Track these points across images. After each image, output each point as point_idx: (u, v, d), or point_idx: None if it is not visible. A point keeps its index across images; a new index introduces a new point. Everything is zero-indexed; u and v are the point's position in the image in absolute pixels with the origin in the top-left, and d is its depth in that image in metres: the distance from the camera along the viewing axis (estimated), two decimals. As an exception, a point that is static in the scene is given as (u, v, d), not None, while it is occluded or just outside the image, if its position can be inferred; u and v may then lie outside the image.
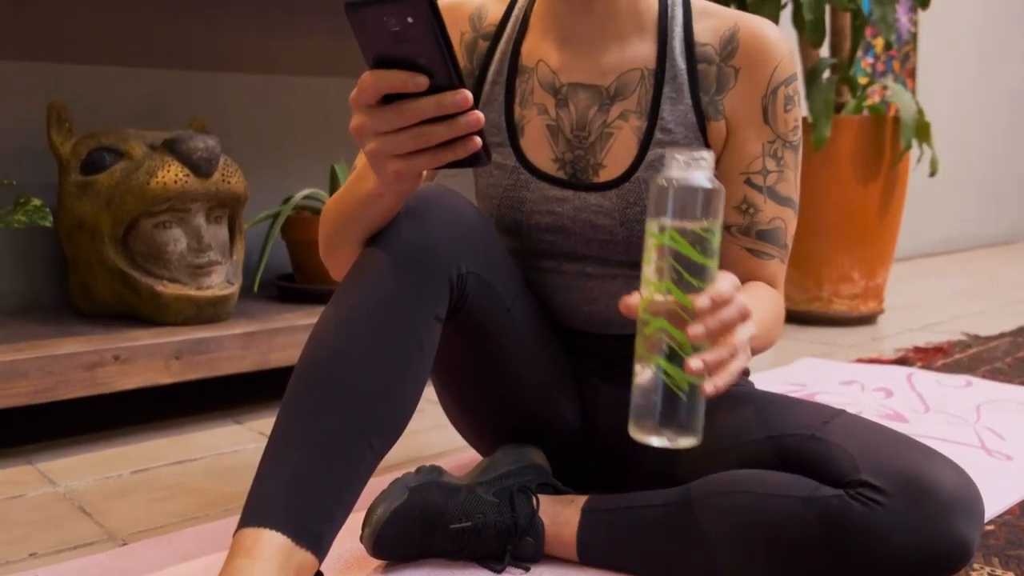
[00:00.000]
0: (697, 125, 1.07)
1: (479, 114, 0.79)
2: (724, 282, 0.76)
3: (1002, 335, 2.44)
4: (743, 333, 0.77)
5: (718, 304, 0.74)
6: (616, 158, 1.08)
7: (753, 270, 1.09)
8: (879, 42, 4.20)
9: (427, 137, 0.79)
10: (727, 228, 1.08)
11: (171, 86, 2.07)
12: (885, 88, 2.63)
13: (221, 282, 1.75)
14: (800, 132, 1.10)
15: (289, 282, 2.02)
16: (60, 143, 1.72)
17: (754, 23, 1.07)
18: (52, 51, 1.91)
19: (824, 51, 2.66)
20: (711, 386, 0.75)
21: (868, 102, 2.65)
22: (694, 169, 0.75)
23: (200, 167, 1.67)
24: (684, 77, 1.07)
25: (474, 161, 0.81)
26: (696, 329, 0.73)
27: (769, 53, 1.06)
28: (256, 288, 1.94)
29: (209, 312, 1.72)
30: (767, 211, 1.07)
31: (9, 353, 1.45)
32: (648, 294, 0.76)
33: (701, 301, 0.74)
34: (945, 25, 4.50)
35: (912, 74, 4.46)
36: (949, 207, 4.70)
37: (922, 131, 2.52)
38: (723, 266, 0.81)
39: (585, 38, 1.09)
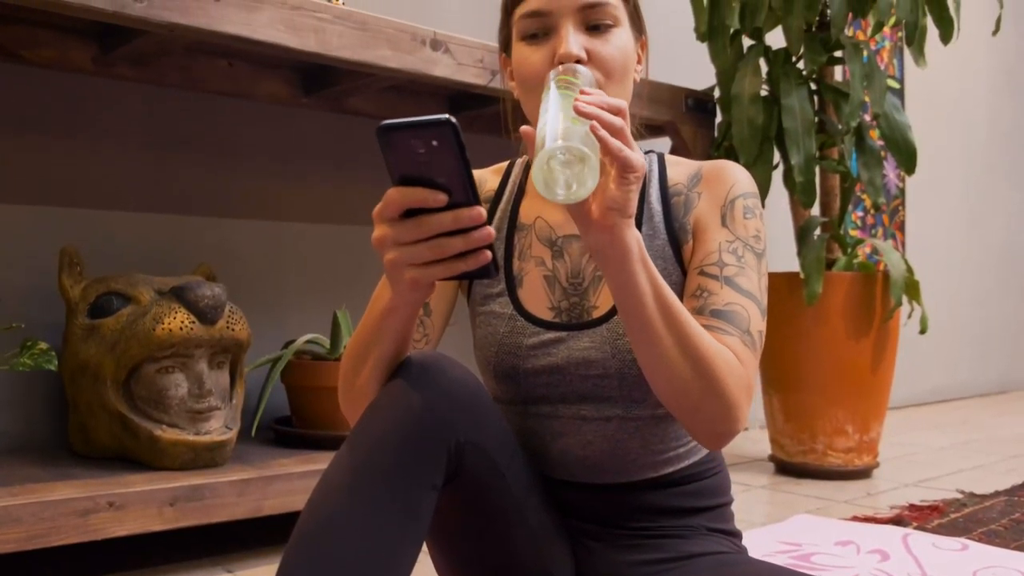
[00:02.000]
0: (674, 256, 1.13)
1: (491, 229, 0.86)
2: None
3: (997, 494, 2.43)
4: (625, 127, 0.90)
5: (593, 92, 0.92)
6: (606, 296, 1.14)
7: None
8: (869, 198, 4.32)
9: (443, 248, 0.86)
10: None
11: (179, 231, 2.13)
12: (874, 248, 2.70)
13: (219, 427, 1.76)
14: (764, 243, 1.12)
15: (286, 426, 2.03)
16: (70, 286, 1.76)
17: (716, 161, 1.18)
18: (64, 196, 1.98)
19: (815, 210, 2.74)
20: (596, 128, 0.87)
21: (859, 257, 2.72)
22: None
23: (206, 315, 1.71)
24: (660, 217, 1.15)
25: (484, 273, 0.88)
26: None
27: (727, 174, 1.15)
28: (254, 432, 1.95)
29: (206, 457, 1.72)
30: (722, 295, 1.07)
31: (4, 498, 1.45)
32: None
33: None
34: (932, 181, 4.64)
35: (901, 227, 4.58)
36: (941, 357, 4.74)
37: (911, 289, 2.57)
38: None
39: None
